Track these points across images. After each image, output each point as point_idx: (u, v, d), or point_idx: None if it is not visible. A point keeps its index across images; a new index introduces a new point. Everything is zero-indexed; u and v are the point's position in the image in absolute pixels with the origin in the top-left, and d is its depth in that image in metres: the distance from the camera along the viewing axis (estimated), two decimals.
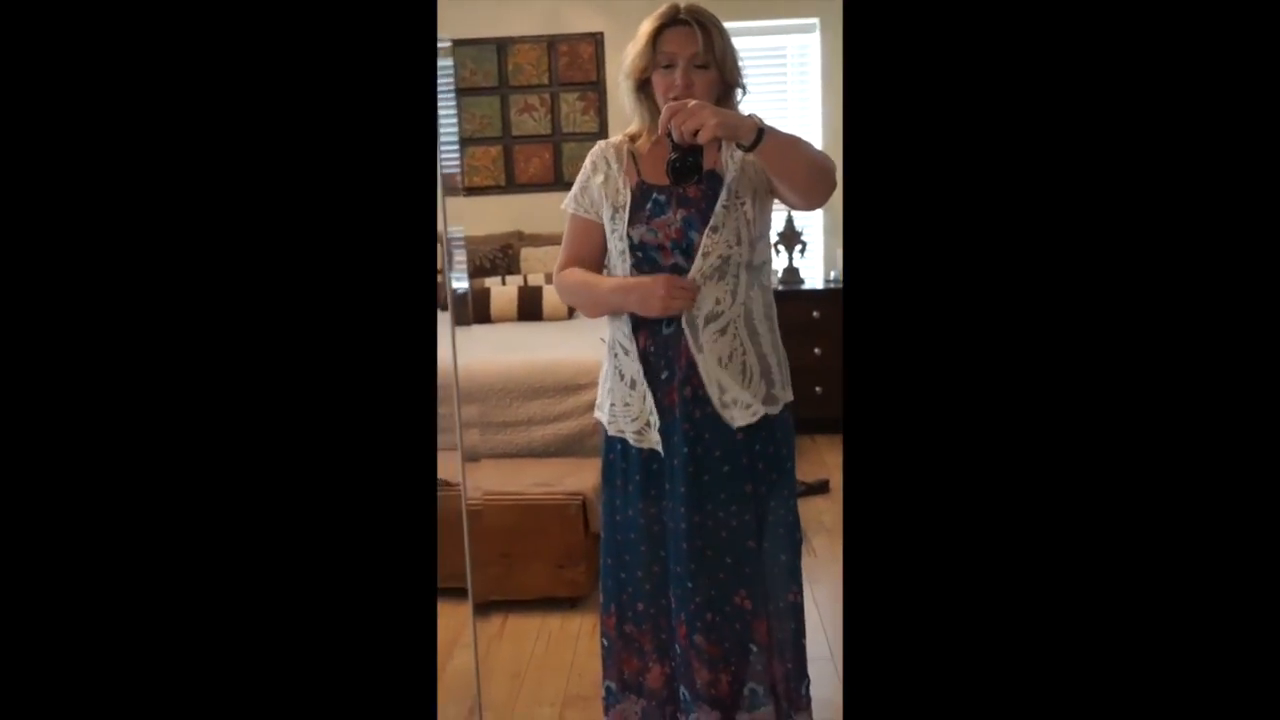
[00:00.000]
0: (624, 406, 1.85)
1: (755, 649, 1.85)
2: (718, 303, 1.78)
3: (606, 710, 1.96)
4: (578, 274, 1.88)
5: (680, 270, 1.77)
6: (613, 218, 1.83)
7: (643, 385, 1.81)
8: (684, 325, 1.77)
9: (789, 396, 1.88)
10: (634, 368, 1.82)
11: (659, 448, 1.81)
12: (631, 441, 1.85)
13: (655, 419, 1.80)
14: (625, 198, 1.81)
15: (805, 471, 3.98)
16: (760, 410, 1.80)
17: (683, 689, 1.88)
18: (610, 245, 1.87)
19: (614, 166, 1.85)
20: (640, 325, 1.82)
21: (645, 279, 1.78)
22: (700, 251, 1.75)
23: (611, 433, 1.90)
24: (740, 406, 1.79)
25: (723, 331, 1.78)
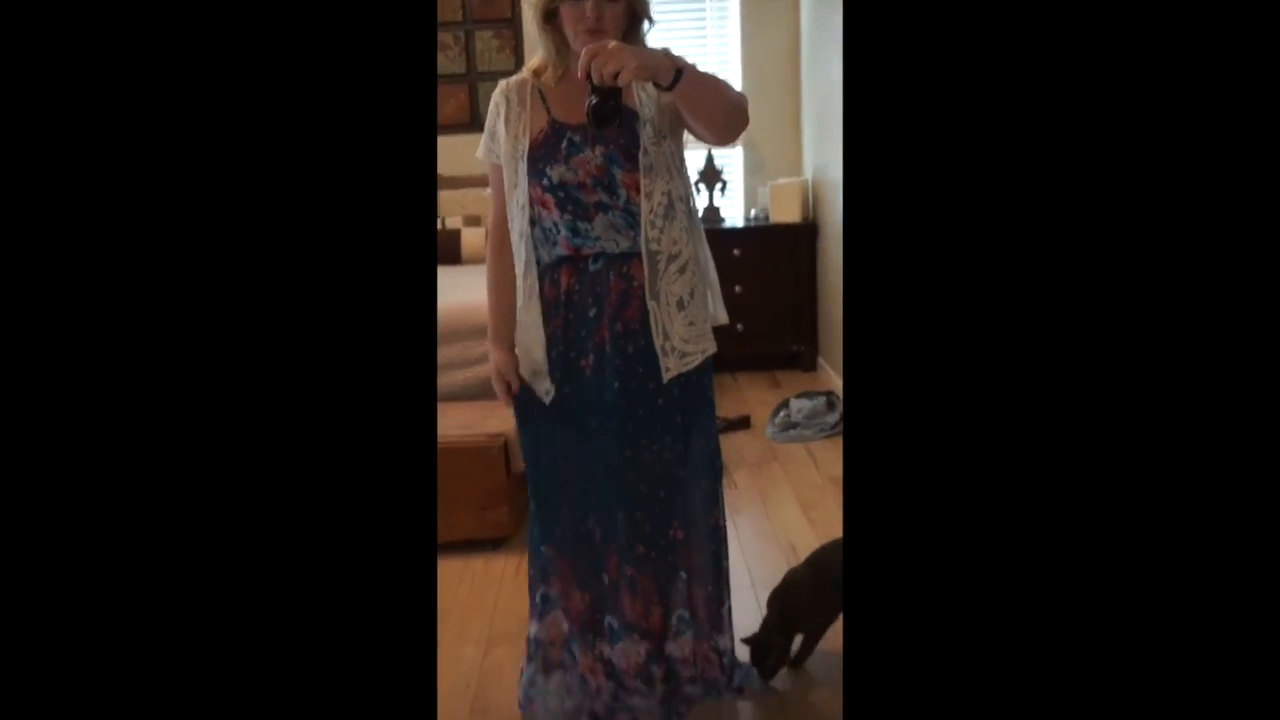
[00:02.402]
0: (526, 350, 1.85)
1: (684, 575, 1.88)
2: (675, 242, 1.77)
3: (542, 617, 1.94)
4: (492, 272, 1.90)
5: (604, 208, 1.74)
6: (515, 168, 1.78)
7: (541, 335, 1.81)
8: (644, 266, 1.75)
9: (724, 318, 1.91)
10: (536, 316, 1.81)
11: (545, 398, 1.83)
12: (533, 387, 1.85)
13: (550, 381, 1.83)
14: (524, 145, 1.77)
15: (726, 408, 4.02)
16: (708, 350, 1.84)
17: (610, 619, 1.89)
18: (509, 198, 1.81)
19: (516, 107, 1.80)
20: (563, 262, 1.80)
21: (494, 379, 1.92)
22: (643, 194, 1.73)
23: (522, 372, 1.89)
24: (692, 353, 1.80)
25: (682, 270, 1.78)
